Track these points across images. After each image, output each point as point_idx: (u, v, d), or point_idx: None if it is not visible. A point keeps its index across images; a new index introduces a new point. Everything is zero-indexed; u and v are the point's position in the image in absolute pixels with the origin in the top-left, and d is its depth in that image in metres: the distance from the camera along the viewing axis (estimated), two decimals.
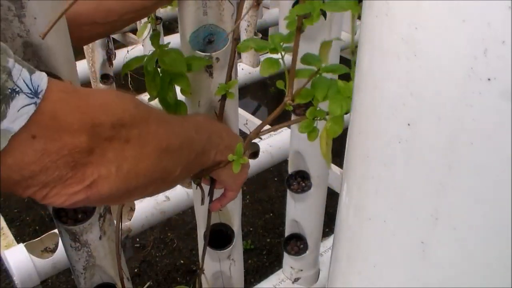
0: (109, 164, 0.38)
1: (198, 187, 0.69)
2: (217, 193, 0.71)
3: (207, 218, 0.75)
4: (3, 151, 0.31)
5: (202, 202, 0.70)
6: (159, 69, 0.66)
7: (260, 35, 2.24)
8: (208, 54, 0.66)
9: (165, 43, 0.67)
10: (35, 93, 0.32)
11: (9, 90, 0.31)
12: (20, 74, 0.32)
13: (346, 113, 0.55)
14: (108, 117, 0.38)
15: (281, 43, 0.58)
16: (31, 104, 0.32)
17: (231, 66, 0.65)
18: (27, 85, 0.32)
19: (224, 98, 0.67)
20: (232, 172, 0.60)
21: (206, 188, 0.71)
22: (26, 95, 0.32)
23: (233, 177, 0.63)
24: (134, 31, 2.32)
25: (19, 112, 0.31)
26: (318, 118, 0.60)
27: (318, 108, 0.60)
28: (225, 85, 0.66)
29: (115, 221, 0.72)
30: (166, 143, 0.45)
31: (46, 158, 0.34)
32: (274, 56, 0.59)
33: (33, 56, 0.52)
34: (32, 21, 0.49)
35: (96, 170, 0.38)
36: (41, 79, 0.33)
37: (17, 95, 0.31)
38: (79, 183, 0.37)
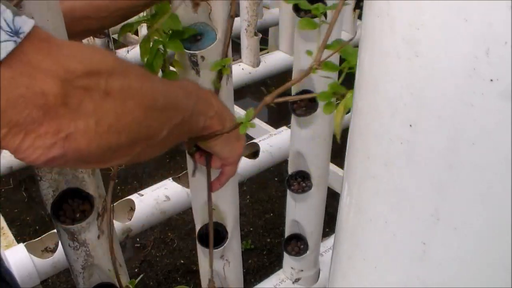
0: (87, 116, 0.37)
1: (192, 158, 0.68)
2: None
3: (207, 201, 0.74)
4: None
5: (193, 174, 0.69)
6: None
7: (260, 35, 2.24)
8: (193, 52, 0.65)
9: None
10: (15, 33, 0.32)
11: None
12: (2, 14, 0.32)
13: None
14: (82, 64, 0.36)
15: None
16: (10, 41, 0.32)
17: (228, 44, 0.65)
18: (7, 24, 0.32)
19: (220, 76, 0.67)
20: (228, 142, 0.59)
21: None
22: (6, 32, 0.32)
23: (229, 147, 0.61)
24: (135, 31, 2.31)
25: None
26: (337, 98, 0.59)
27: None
28: (221, 60, 0.65)
29: (114, 221, 0.72)
30: (151, 100, 0.43)
31: (14, 90, 0.33)
32: None
33: None
34: None
35: (73, 122, 0.36)
36: (25, 22, 0.33)
37: None
38: (54, 134, 0.35)
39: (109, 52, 0.43)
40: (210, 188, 0.71)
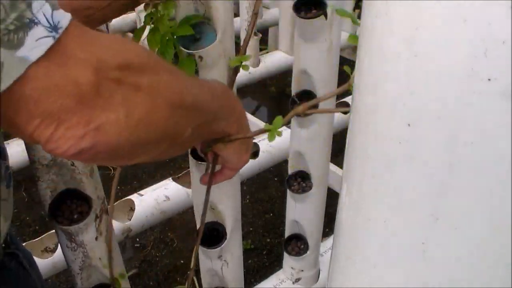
0: (118, 108, 0.37)
1: (205, 157, 0.69)
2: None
3: (205, 197, 0.74)
4: (18, 79, 0.32)
5: (206, 172, 0.70)
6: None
7: (260, 35, 2.24)
8: (191, 51, 0.65)
9: None
10: (54, 28, 0.33)
11: (27, 20, 0.32)
12: (41, 8, 0.32)
13: None
14: (116, 57, 0.37)
15: None
16: (49, 36, 0.33)
17: (247, 40, 0.64)
18: (47, 19, 0.33)
19: (235, 72, 0.67)
20: (237, 151, 0.59)
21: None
22: (45, 28, 0.32)
23: (237, 155, 0.62)
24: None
25: (37, 42, 0.32)
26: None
27: None
28: (240, 57, 0.65)
29: (114, 221, 0.72)
30: (179, 98, 0.43)
31: (50, 80, 0.33)
32: None
33: None
34: None
35: (104, 113, 0.36)
36: (63, 16, 0.34)
37: (35, 26, 0.32)
38: (85, 125, 0.36)
39: (143, 47, 0.43)
40: (210, 182, 0.71)
